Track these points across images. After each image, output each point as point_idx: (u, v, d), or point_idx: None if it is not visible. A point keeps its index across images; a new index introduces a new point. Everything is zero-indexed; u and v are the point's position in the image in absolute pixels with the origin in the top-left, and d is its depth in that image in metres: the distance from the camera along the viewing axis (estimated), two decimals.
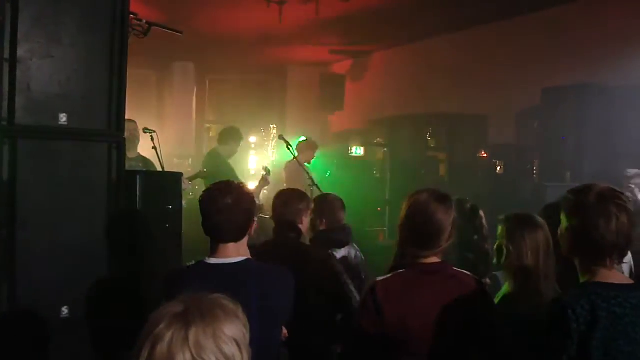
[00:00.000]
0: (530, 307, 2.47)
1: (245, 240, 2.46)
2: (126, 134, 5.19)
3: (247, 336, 1.35)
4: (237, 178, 6.16)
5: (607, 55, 6.16)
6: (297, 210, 3.43)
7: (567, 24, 6.79)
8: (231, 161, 6.53)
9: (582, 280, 2.01)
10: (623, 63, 5.95)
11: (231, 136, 6.47)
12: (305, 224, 3.48)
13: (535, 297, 2.53)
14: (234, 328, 1.31)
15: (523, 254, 2.60)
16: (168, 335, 1.25)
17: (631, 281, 2.01)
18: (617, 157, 6.07)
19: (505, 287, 2.70)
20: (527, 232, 2.63)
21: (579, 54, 6.55)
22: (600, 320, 1.84)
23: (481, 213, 3.39)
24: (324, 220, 3.98)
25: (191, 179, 5.69)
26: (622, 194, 2.01)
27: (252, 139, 10.52)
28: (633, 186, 5.37)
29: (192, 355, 1.24)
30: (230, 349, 1.28)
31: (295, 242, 3.37)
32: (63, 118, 3.15)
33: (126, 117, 5.11)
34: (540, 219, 2.71)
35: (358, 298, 3.28)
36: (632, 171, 5.47)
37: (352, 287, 3.36)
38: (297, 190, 3.65)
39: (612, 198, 1.97)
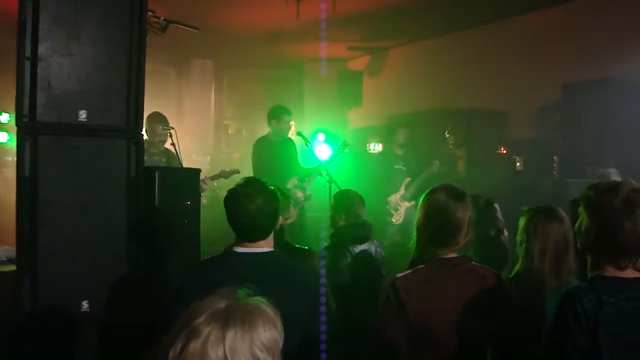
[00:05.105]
0: (524, 295, 2.54)
1: (272, 234, 2.48)
2: (156, 138, 5.26)
3: (281, 345, 1.35)
4: (281, 168, 6.07)
5: (628, 49, 6.06)
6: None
7: (588, 18, 6.70)
8: None
9: (590, 274, 2.00)
10: None
11: (270, 115, 6.28)
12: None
13: (532, 287, 2.59)
14: (270, 337, 1.31)
15: (531, 245, 2.67)
16: (205, 332, 1.25)
17: None
18: (639, 152, 5.99)
19: (514, 271, 2.75)
20: (539, 224, 2.65)
21: (600, 48, 6.45)
22: (606, 315, 1.83)
23: (496, 206, 3.39)
24: (343, 216, 3.98)
25: (214, 178, 5.69)
26: None
27: None
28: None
29: (225, 356, 1.24)
30: (263, 356, 1.28)
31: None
32: (83, 115, 3.19)
33: (151, 113, 5.20)
34: (561, 213, 2.72)
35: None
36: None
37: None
38: None
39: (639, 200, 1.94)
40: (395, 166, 7.04)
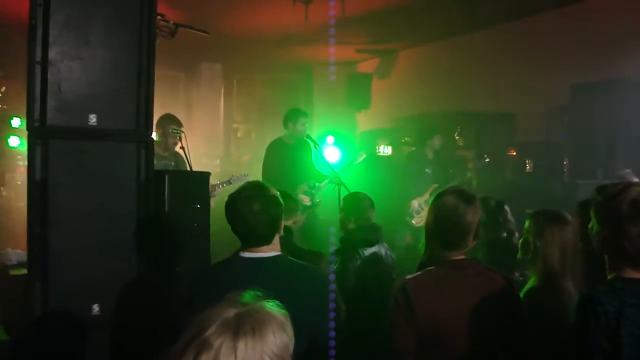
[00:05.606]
0: (554, 304, 2.51)
1: (277, 238, 2.47)
2: (171, 140, 5.27)
3: (291, 349, 1.35)
4: (293, 171, 6.00)
5: (637, 49, 6.03)
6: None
7: (596, 18, 6.67)
8: None
9: (609, 276, 1.98)
10: None
11: (287, 118, 6.20)
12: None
13: (559, 294, 2.56)
14: (280, 343, 1.31)
15: (549, 250, 2.62)
16: (217, 344, 1.25)
17: None
18: None
19: (531, 282, 2.71)
20: (555, 229, 2.62)
21: (609, 49, 6.42)
22: (627, 316, 1.82)
23: (506, 208, 3.37)
24: (353, 219, 3.98)
25: (224, 184, 5.67)
26: None
27: None
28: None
29: None
30: None
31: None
32: (93, 118, 3.20)
33: (163, 114, 5.23)
34: (568, 216, 2.71)
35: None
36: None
37: None
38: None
39: None
40: (426, 169, 7.01)
